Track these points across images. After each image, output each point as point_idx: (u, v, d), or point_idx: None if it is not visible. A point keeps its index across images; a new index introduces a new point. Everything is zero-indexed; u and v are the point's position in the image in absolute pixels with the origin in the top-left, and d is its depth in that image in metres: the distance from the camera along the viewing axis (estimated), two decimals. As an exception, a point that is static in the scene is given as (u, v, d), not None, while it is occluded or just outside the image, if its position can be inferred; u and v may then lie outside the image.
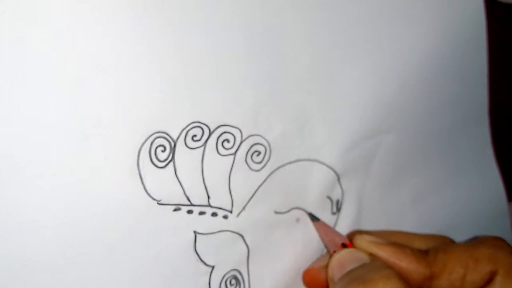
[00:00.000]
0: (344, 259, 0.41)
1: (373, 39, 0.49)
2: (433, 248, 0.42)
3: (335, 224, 0.50)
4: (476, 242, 0.44)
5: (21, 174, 0.34)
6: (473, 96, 0.58)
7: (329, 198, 0.50)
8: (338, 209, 0.50)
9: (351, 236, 0.46)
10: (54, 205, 0.35)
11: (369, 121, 0.50)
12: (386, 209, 0.54)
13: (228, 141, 0.42)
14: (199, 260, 0.42)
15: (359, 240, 0.43)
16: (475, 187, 0.61)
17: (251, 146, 0.44)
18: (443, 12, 0.52)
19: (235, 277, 0.44)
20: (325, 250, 0.49)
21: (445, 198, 0.58)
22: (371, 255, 0.41)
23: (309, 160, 0.48)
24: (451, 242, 0.47)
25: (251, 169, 0.44)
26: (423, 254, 0.41)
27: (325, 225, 0.47)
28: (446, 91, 0.55)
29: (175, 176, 0.39)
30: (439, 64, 0.53)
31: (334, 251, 0.43)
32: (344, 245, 0.43)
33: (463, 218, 0.60)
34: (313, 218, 0.47)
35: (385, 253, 0.41)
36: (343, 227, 0.51)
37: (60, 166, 0.35)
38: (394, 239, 0.44)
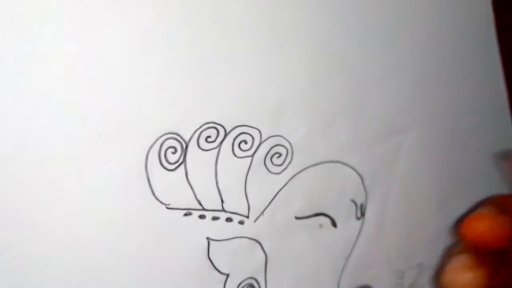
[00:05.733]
0: None
1: (390, 35, 0.46)
2: None
3: (360, 230, 0.47)
4: None
5: (22, 178, 0.32)
6: (491, 89, 0.54)
7: (353, 201, 0.47)
8: (363, 214, 0.47)
9: None
10: (57, 210, 0.33)
11: (390, 117, 0.47)
12: (411, 212, 0.50)
13: (245, 142, 0.40)
14: (212, 267, 0.39)
15: None
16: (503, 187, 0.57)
17: (271, 148, 0.41)
18: (451, 5, 0.49)
19: (252, 286, 0.42)
20: (347, 256, 0.47)
21: (471, 197, 0.54)
22: None
23: (332, 161, 0.45)
24: None
25: (270, 171, 0.41)
26: None
27: None
28: (464, 85, 0.51)
29: (185, 179, 0.37)
30: (452, 57, 0.49)
31: None
32: None
33: None
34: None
35: None
36: (368, 232, 0.48)
37: (63, 169, 0.33)
38: None
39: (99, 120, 0.34)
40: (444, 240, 0.53)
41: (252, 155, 0.40)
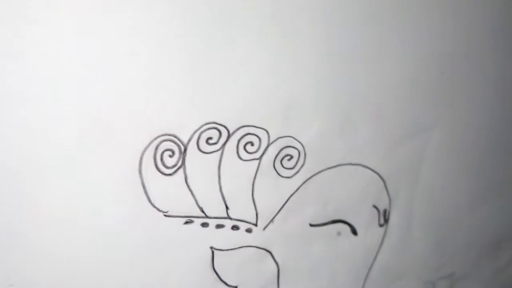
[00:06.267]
0: None
1: (411, 26, 0.42)
2: None
3: (383, 238, 0.44)
4: None
5: (2, 191, 0.30)
6: None
7: (375, 207, 0.43)
8: (386, 220, 0.44)
9: None
10: (41, 220, 0.31)
11: (412, 114, 0.43)
12: (439, 218, 0.46)
13: (252, 144, 0.37)
14: (218, 279, 0.37)
15: None
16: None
17: (281, 150, 0.38)
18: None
19: (263, 299, 0.39)
20: (369, 266, 0.43)
21: (503, 202, 0.50)
22: None
23: (351, 164, 0.41)
24: None
25: (280, 175, 0.38)
26: None
27: None
28: (492, 79, 0.46)
29: (185, 184, 0.34)
30: (479, 51, 0.45)
31: None
32: None
33: None
34: None
35: None
36: (392, 240, 0.44)
37: (46, 175, 0.31)
38: None
39: (86, 122, 0.31)
40: (477, 248, 0.49)
41: (260, 158, 0.37)
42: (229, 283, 0.37)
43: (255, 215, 0.38)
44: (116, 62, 0.32)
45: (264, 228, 0.38)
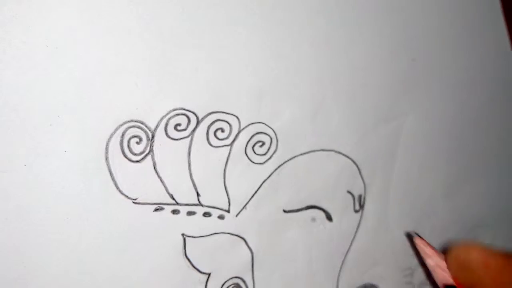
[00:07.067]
0: None
1: (383, 12, 0.42)
2: None
3: (359, 224, 0.44)
4: None
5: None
6: (499, 70, 0.49)
7: (350, 193, 0.43)
8: (362, 206, 0.44)
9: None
10: (4, 207, 0.30)
11: (385, 99, 0.43)
12: (415, 203, 0.46)
13: (222, 130, 0.37)
14: (191, 266, 0.36)
15: None
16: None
17: (253, 136, 0.38)
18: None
19: (238, 286, 0.39)
20: (345, 252, 0.43)
21: (480, 187, 0.50)
22: None
23: (323, 150, 0.41)
24: None
25: (252, 162, 0.38)
26: None
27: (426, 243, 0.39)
28: (466, 64, 0.46)
29: (154, 171, 0.34)
30: (453, 34, 0.45)
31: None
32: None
33: (501, 210, 0.51)
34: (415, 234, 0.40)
35: None
36: (368, 226, 0.44)
37: (11, 161, 0.30)
38: None
39: (49, 108, 0.31)
40: (454, 233, 0.49)
41: (231, 144, 0.37)
42: (202, 270, 0.37)
43: (227, 202, 0.37)
44: (81, 47, 0.31)
45: (237, 215, 0.38)
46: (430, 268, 0.38)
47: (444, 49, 0.45)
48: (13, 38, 0.30)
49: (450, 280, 0.36)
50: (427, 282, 0.49)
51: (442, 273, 0.37)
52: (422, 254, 0.39)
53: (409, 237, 0.40)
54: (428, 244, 0.39)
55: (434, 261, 0.37)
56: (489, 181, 0.50)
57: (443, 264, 0.37)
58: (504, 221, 0.50)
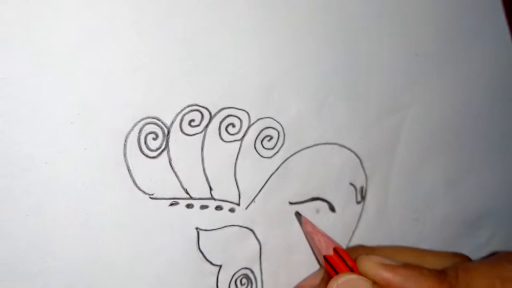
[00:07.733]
0: None
1: (386, 8, 0.43)
2: (451, 267, 0.36)
3: (361, 215, 0.45)
4: (500, 259, 0.37)
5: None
6: (500, 63, 0.51)
7: (352, 185, 0.44)
8: (363, 197, 0.45)
9: (353, 251, 0.41)
10: (27, 204, 0.31)
11: (387, 94, 0.44)
12: (417, 195, 0.48)
13: (233, 125, 0.37)
14: (204, 259, 0.37)
15: (367, 263, 0.36)
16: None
17: (261, 131, 0.39)
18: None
19: (247, 276, 0.40)
20: (347, 242, 0.45)
21: (482, 179, 0.52)
22: (375, 283, 0.35)
23: (327, 143, 0.42)
24: (467, 259, 0.41)
25: (261, 156, 0.39)
26: (443, 275, 0.35)
27: (312, 224, 0.41)
28: (468, 57, 0.48)
29: (169, 167, 0.35)
30: (456, 29, 0.46)
31: (327, 264, 0.38)
32: (335, 251, 0.38)
33: (504, 202, 0.53)
34: (298, 215, 0.42)
35: (400, 277, 0.35)
36: (369, 217, 0.46)
37: (32, 160, 0.31)
38: (402, 258, 0.38)
39: (70, 106, 0.31)
40: (456, 225, 0.51)
41: (241, 139, 0.38)
42: (214, 262, 0.38)
43: (237, 195, 0.38)
44: (99, 45, 0.32)
45: (247, 207, 0.39)
46: (309, 236, 0.40)
47: (446, 44, 0.46)
48: (33, 36, 0.30)
49: (331, 247, 0.37)
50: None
51: (323, 238, 0.38)
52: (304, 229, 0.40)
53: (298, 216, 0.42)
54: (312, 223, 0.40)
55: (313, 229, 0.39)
56: (492, 172, 0.51)
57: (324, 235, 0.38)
58: (506, 212, 0.52)
